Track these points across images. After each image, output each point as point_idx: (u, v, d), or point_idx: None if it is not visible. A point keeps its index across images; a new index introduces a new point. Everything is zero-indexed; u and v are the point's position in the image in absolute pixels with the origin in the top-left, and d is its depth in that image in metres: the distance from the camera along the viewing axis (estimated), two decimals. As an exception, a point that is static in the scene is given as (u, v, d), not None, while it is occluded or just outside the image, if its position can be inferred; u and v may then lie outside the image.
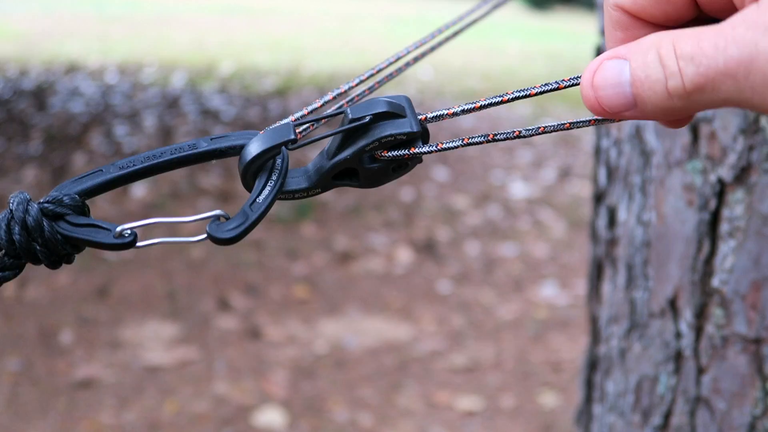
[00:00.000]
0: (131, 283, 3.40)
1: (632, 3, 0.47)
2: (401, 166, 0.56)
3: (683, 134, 0.93)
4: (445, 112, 0.55)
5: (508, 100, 0.54)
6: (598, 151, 1.17)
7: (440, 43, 0.73)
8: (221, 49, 9.03)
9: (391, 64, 0.65)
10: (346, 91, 0.61)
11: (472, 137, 0.55)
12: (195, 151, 0.54)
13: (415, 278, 3.59)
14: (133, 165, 0.53)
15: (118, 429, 2.49)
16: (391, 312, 3.26)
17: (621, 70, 0.46)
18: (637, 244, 1.03)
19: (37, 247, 0.50)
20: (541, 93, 0.54)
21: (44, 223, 0.50)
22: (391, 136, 0.53)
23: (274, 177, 0.53)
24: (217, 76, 7.52)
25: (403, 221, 4.23)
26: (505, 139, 0.55)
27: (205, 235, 0.52)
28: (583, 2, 14.69)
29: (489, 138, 0.55)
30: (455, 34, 0.78)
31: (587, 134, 5.82)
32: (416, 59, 0.70)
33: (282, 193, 0.55)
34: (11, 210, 0.50)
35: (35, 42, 8.85)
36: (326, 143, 0.56)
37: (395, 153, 0.54)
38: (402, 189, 4.65)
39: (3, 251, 0.51)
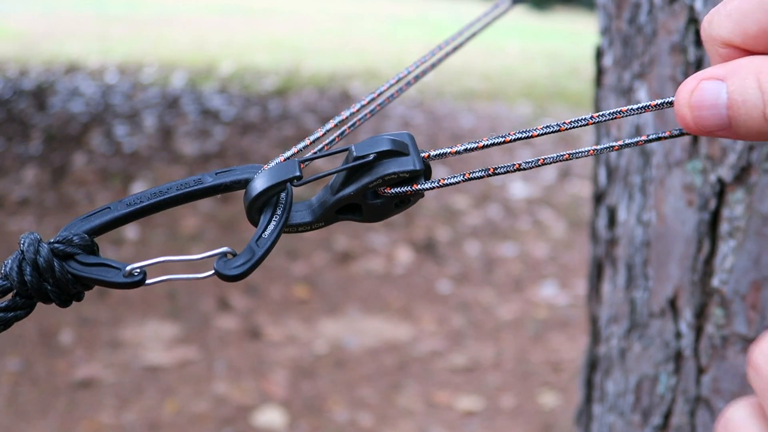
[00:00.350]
0: (131, 283, 3.40)
1: (743, 41, 0.47)
2: (403, 202, 0.57)
3: (683, 134, 0.93)
4: (448, 150, 0.56)
5: (510, 141, 0.55)
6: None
7: (441, 59, 0.74)
8: (221, 49, 9.03)
9: (391, 86, 0.66)
10: (347, 118, 0.62)
11: (473, 172, 0.56)
12: (200, 186, 0.56)
13: (415, 278, 3.59)
14: (141, 202, 0.55)
15: (118, 429, 2.49)
16: (391, 312, 3.26)
17: (718, 92, 0.46)
18: (637, 244, 1.03)
19: (48, 287, 0.51)
20: (543, 134, 0.56)
21: (55, 264, 0.51)
22: (394, 174, 0.54)
23: (278, 212, 0.55)
24: (217, 76, 7.52)
25: (403, 221, 4.23)
26: (505, 173, 0.56)
27: (212, 272, 0.53)
28: (583, 2, 14.70)
29: (489, 172, 0.56)
30: (457, 47, 0.78)
31: (587, 134, 5.82)
32: (417, 78, 0.71)
33: (286, 227, 0.56)
34: (22, 251, 0.51)
35: (35, 42, 8.85)
36: (330, 178, 0.57)
37: (398, 190, 0.55)
38: (402, 189, 4.65)
39: (14, 292, 0.52)
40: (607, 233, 1.13)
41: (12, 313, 0.52)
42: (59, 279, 0.51)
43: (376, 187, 0.55)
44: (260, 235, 0.54)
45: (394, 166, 0.54)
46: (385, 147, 0.54)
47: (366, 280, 3.54)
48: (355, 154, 0.54)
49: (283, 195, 0.55)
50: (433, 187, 0.56)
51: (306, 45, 9.64)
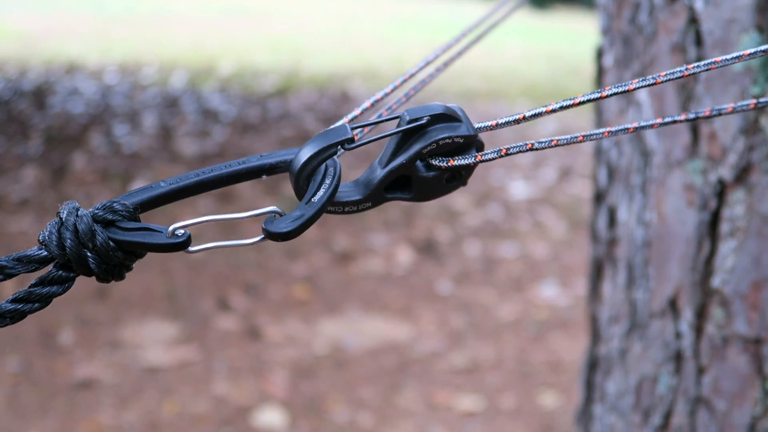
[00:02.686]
0: (131, 283, 3.40)
1: None
2: (455, 177, 0.55)
3: (683, 134, 0.93)
4: (515, 117, 0.55)
5: (551, 111, 0.55)
6: (598, 151, 1.17)
7: (464, 48, 0.73)
8: (221, 49, 9.03)
9: (421, 69, 0.66)
10: (392, 91, 0.61)
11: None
12: (245, 165, 0.53)
13: (415, 278, 3.59)
14: (186, 179, 0.52)
15: (118, 429, 2.49)
16: (391, 312, 3.26)
17: None
18: (637, 244, 1.03)
19: (89, 254, 0.48)
20: (584, 102, 0.55)
21: (96, 228, 0.48)
22: (449, 137, 0.53)
23: (327, 181, 0.52)
24: (217, 76, 7.52)
25: (403, 221, 4.23)
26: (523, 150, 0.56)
27: (262, 236, 0.50)
28: (583, 2, 14.69)
29: (528, 147, 0.55)
30: (479, 37, 0.78)
31: (588, 129, 5.81)
32: (445, 64, 0.70)
33: (332, 205, 0.54)
34: (61, 218, 0.48)
35: (35, 42, 8.85)
36: (376, 155, 0.55)
37: (456, 162, 0.54)
38: (402, 189, 4.65)
39: (54, 263, 0.49)
40: (608, 233, 1.12)
41: (49, 288, 0.49)
42: (100, 245, 0.47)
43: (430, 154, 0.53)
44: (309, 199, 0.51)
45: (448, 131, 0.53)
46: (439, 111, 0.53)
47: (366, 280, 3.54)
48: (408, 117, 0.53)
49: (331, 168, 0.52)
50: (495, 157, 0.54)
51: (306, 45, 9.64)
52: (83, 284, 2.87)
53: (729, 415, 0.90)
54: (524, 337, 3.10)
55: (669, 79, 0.55)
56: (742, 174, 0.86)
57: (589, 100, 0.54)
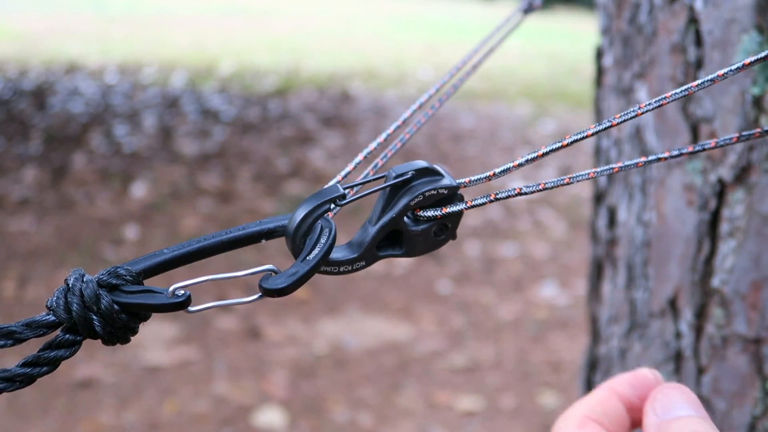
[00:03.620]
0: (131, 283, 3.40)
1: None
2: (442, 230, 0.59)
3: (683, 134, 0.94)
4: (486, 174, 0.58)
5: (543, 155, 0.57)
6: (598, 151, 1.17)
7: (467, 73, 0.76)
8: (221, 49, 9.03)
9: (414, 112, 0.69)
10: (375, 149, 0.64)
11: (499, 193, 0.58)
12: (244, 231, 0.57)
13: (415, 278, 3.59)
14: (188, 246, 0.55)
15: (118, 429, 2.49)
16: (391, 312, 3.26)
17: None
18: (637, 244, 1.03)
19: (94, 318, 0.51)
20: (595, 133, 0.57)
21: (101, 292, 0.50)
22: (434, 189, 0.56)
23: (323, 240, 0.54)
24: (217, 76, 7.52)
25: (403, 221, 4.23)
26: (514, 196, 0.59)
27: (259, 294, 0.53)
28: (583, 2, 14.70)
29: (516, 192, 0.58)
30: (477, 65, 0.80)
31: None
32: (447, 94, 0.73)
33: (328, 265, 0.56)
34: (68, 284, 0.51)
35: (35, 42, 8.85)
36: (367, 216, 0.58)
37: (434, 212, 0.57)
38: (402, 189, 4.65)
39: (62, 327, 0.51)
40: (608, 233, 1.13)
41: (56, 352, 0.51)
42: (104, 308, 0.50)
43: (418, 206, 0.56)
44: (305, 257, 0.54)
45: (432, 184, 0.56)
46: (422, 166, 0.56)
47: (366, 280, 3.54)
48: (394, 174, 0.56)
49: (326, 228, 0.55)
50: (462, 209, 0.57)
51: (306, 45, 9.64)
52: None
53: (729, 415, 0.90)
54: (524, 337, 3.10)
55: (676, 98, 0.56)
56: (742, 174, 0.86)
57: (552, 150, 0.57)
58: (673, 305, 0.97)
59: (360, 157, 0.61)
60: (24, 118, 5.85)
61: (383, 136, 0.64)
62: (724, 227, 0.89)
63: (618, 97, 1.08)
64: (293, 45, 9.57)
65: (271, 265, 0.53)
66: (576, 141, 0.57)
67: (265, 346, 2.98)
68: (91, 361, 2.83)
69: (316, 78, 7.69)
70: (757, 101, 0.85)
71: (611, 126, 0.56)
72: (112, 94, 6.65)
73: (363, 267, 0.57)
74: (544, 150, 0.57)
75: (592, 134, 0.56)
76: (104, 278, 0.51)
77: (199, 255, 0.55)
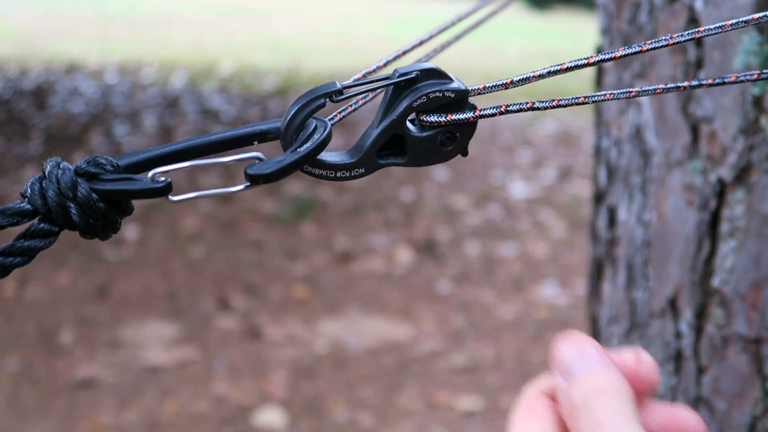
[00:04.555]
0: (131, 283, 3.40)
1: None
2: (450, 139, 0.54)
3: (683, 134, 0.93)
4: (503, 82, 0.54)
5: (566, 69, 0.53)
6: (598, 151, 1.17)
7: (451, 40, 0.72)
8: (221, 49, 9.03)
9: (415, 47, 0.64)
10: (384, 65, 0.60)
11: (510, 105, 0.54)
12: (235, 132, 0.53)
13: (415, 278, 3.59)
14: (173, 145, 0.51)
15: (118, 429, 2.49)
16: (391, 312, 3.26)
17: None
18: (637, 244, 1.03)
19: (71, 205, 0.48)
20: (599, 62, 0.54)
21: (78, 180, 0.47)
22: (439, 91, 0.52)
23: (316, 135, 0.50)
24: (217, 76, 7.52)
25: (403, 221, 4.23)
26: (518, 111, 0.55)
27: (246, 183, 0.49)
28: (583, 2, 14.69)
29: (528, 106, 0.54)
30: (479, 23, 0.77)
31: (587, 134, 5.82)
32: (442, 46, 0.69)
33: (323, 168, 0.52)
34: (44, 172, 0.48)
35: (35, 42, 8.85)
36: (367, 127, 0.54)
37: (444, 117, 0.52)
38: (402, 189, 4.65)
39: (39, 217, 0.48)
40: (608, 233, 1.13)
41: (31, 241, 0.49)
42: (81, 195, 0.47)
43: (421, 109, 0.52)
44: (295, 149, 0.50)
45: (438, 85, 0.52)
46: (429, 66, 0.52)
47: (366, 280, 3.54)
48: (399, 72, 0.52)
49: (321, 127, 0.51)
50: (470, 118, 0.53)
51: (306, 45, 9.64)
52: (83, 284, 2.86)
53: (729, 415, 0.90)
54: (524, 337, 3.10)
55: (652, 48, 0.54)
56: (742, 174, 0.86)
57: (576, 67, 0.53)
58: (673, 305, 0.97)
59: (359, 75, 0.57)
60: (24, 118, 5.85)
61: (383, 61, 0.60)
62: (724, 227, 0.89)
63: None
64: (293, 45, 9.57)
65: (258, 153, 0.50)
66: (604, 60, 0.53)
67: (265, 346, 2.98)
68: (91, 361, 2.83)
69: (316, 78, 7.69)
70: (757, 101, 0.85)
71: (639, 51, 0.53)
72: (112, 94, 6.65)
73: (362, 174, 0.54)
74: (567, 64, 0.54)
75: (621, 56, 0.53)
76: (83, 166, 0.48)
77: (186, 154, 0.51)
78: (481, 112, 0.53)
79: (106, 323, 3.07)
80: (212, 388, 2.70)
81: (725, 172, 0.88)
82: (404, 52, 0.62)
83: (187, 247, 3.76)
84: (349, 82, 0.54)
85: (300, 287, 3.44)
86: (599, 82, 1.15)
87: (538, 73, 0.53)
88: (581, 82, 7.77)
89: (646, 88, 0.54)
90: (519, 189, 4.85)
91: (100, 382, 2.71)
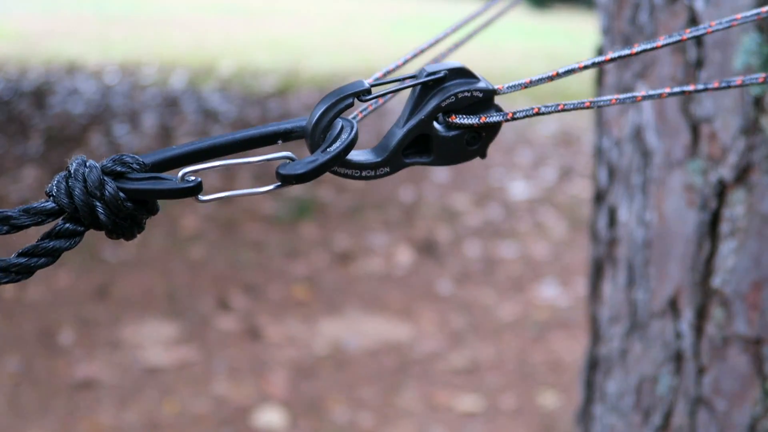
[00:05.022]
0: (131, 283, 3.40)
1: None
2: (475, 139, 0.54)
3: (684, 134, 0.93)
4: (522, 82, 0.53)
5: (584, 67, 0.53)
6: (598, 151, 1.17)
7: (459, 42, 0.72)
8: (221, 49, 9.02)
9: (431, 45, 0.64)
10: (403, 64, 0.59)
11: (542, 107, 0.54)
12: (259, 131, 0.52)
13: (415, 278, 3.59)
14: (199, 143, 0.51)
15: (118, 429, 2.49)
16: (391, 312, 3.26)
17: None
18: (637, 244, 1.03)
19: (98, 204, 0.46)
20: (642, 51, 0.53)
21: (105, 178, 0.46)
22: (467, 91, 0.52)
23: (344, 135, 0.50)
24: (217, 76, 7.52)
25: (403, 221, 4.23)
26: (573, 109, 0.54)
27: (277, 183, 0.48)
28: (583, 2, 14.69)
29: (560, 108, 0.54)
30: (491, 20, 0.77)
31: (588, 134, 5.82)
32: (456, 45, 0.68)
33: (350, 167, 0.52)
34: (70, 170, 0.47)
35: (35, 42, 8.85)
36: (392, 124, 0.54)
37: (477, 119, 0.52)
38: (402, 189, 4.65)
39: (64, 216, 0.47)
40: (608, 233, 1.12)
41: (56, 242, 0.47)
42: (109, 194, 0.46)
43: (449, 109, 0.52)
44: (325, 149, 0.49)
45: (466, 85, 0.52)
46: (457, 66, 0.52)
47: (366, 281, 3.54)
48: (426, 72, 0.52)
49: (348, 126, 0.51)
50: (501, 120, 0.52)
51: (306, 45, 9.64)
52: (83, 284, 2.86)
53: (729, 415, 0.90)
54: (524, 337, 3.10)
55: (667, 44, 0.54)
56: (743, 174, 0.86)
57: (613, 59, 0.53)
58: (673, 305, 0.97)
59: (379, 74, 0.56)
60: (24, 119, 5.85)
61: (402, 60, 0.60)
62: (724, 227, 0.89)
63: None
64: (293, 45, 9.57)
65: (289, 152, 0.49)
66: (619, 57, 0.53)
67: (265, 346, 2.98)
68: (91, 361, 2.82)
69: (316, 78, 7.69)
70: (757, 101, 0.85)
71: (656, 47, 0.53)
72: (112, 94, 6.64)
73: (387, 173, 0.53)
74: (585, 63, 0.54)
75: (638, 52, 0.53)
76: (109, 165, 0.47)
77: (212, 152, 0.50)
78: (514, 115, 0.53)
79: (106, 323, 3.07)
80: (212, 389, 2.70)
81: (725, 172, 0.88)
82: (422, 51, 0.62)
83: (187, 247, 3.76)
84: (371, 81, 0.54)
85: (300, 287, 3.44)
86: (600, 82, 1.15)
87: (556, 72, 0.53)
88: (581, 84, 7.77)
89: (651, 92, 0.54)
90: (519, 189, 4.85)
91: (100, 382, 2.71)
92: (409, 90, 0.54)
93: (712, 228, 0.90)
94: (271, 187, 0.49)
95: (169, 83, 7.14)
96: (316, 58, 8.77)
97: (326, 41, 10.05)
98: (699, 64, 0.90)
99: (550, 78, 0.53)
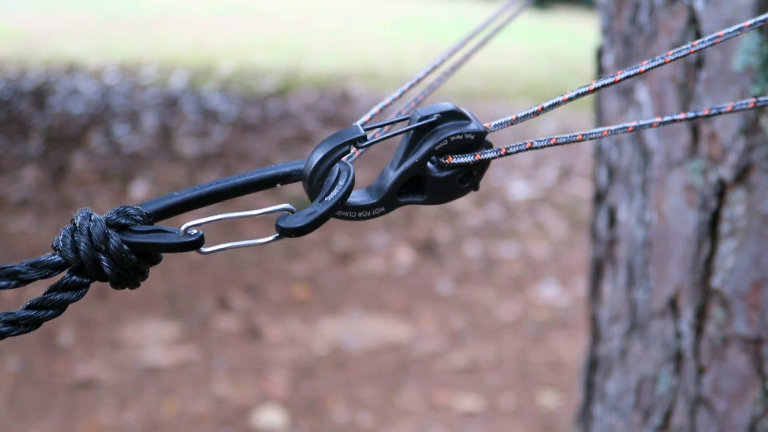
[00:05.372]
0: (131, 283, 3.40)
1: None
2: (467, 177, 0.55)
3: (683, 134, 0.93)
4: (509, 119, 0.55)
5: (567, 99, 0.54)
6: (598, 151, 1.17)
7: (472, 51, 0.74)
8: (221, 49, 9.02)
9: (428, 73, 0.66)
10: (399, 96, 0.61)
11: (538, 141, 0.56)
12: (259, 175, 0.54)
13: (415, 278, 3.59)
14: (200, 189, 0.52)
15: (118, 429, 2.49)
16: (391, 312, 3.26)
17: None
18: (637, 244, 1.03)
19: (102, 258, 0.47)
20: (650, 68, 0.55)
21: (109, 232, 0.47)
22: (460, 134, 0.53)
23: (341, 182, 0.51)
24: (217, 76, 7.52)
25: (403, 221, 4.23)
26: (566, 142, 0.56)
27: (276, 235, 0.50)
28: (583, 2, 14.69)
29: (551, 143, 0.55)
30: (485, 40, 0.79)
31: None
32: (453, 68, 0.71)
33: (346, 210, 0.53)
34: (75, 223, 0.48)
35: (35, 42, 8.85)
36: (387, 162, 0.55)
37: (463, 159, 0.54)
38: (402, 189, 4.65)
39: (69, 269, 0.48)
40: (608, 233, 1.12)
41: (63, 294, 0.48)
42: (113, 248, 0.47)
43: (442, 152, 0.53)
44: (323, 198, 0.51)
45: (458, 128, 0.53)
46: (449, 108, 0.53)
47: (366, 281, 3.54)
48: (419, 116, 0.53)
49: (344, 171, 0.52)
50: (495, 156, 0.54)
51: (306, 45, 9.64)
52: (83, 284, 2.82)
53: (729, 415, 0.90)
54: (524, 337, 3.10)
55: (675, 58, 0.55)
56: (743, 174, 0.86)
57: (600, 87, 0.54)
58: (673, 305, 0.97)
59: (376, 109, 0.58)
60: (24, 118, 5.85)
61: (399, 92, 0.61)
62: (724, 227, 0.89)
63: (618, 97, 1.07)
64: (293, 45, 9.57)
65: (288, 204, 0.51)
66: (631, 76, 0.54)
67: (265, 346, 2.98)
68: (91, 361, 2.82)
69: (316, 78, 7.69)
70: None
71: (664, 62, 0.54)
72: (112, 94, 6.64)
73: (382, 213, 0.55)
74: (569, 95, 0.55)
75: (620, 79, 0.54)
76: (113, 218, 0.48)
77: (212, 198, 0.52)
78: (507, 150, 0.55)
79: (106, 323, 3.07)
80: (212, 389, 2.70)
81: (725, 172, 0.88)
82: (418, 80, 0.64)
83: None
84: (367, 118, 0.55)
85: (300, 287, 3.44)
86: (599, 82, 1.14)
87: (541, 106, 0.55)
88: (582, 83, 7.76)
89: (642, 122, 0.56)
90: (519, 189, 4.85)
91: (100, 382, 2.71)
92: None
93: (712, 228, 0.90)
94: (270, 238, 0.51)
95: (169, 83, 7.14)
96: (316, 58, 8.77)
97: (326, 41, 10.05)
98: (699, 64, 0.90)
99: (536, 113, 0.55)
